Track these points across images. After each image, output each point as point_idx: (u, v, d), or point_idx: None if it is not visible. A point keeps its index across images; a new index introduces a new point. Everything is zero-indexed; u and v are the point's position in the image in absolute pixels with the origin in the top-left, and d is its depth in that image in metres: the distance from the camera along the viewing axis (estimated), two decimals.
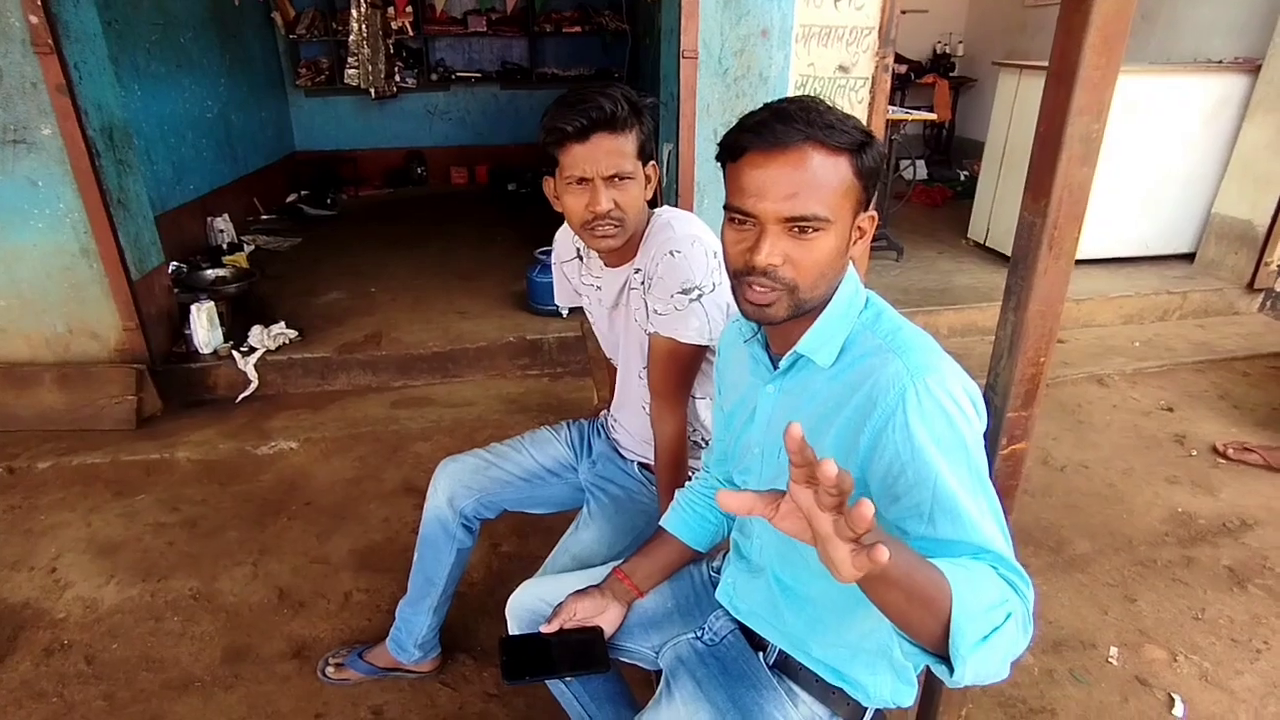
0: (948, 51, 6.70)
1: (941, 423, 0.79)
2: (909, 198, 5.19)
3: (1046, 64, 0.75)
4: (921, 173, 6.01)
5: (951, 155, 6.76)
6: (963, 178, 6.00)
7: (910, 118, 3.99)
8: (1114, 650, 1.84)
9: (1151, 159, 3.90)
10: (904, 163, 5.08)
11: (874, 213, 0.89)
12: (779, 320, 0.88)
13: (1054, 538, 2.24)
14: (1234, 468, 2.60)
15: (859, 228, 0.88)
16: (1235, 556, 2.16)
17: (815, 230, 0.83)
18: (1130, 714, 1.67)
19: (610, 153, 1.19)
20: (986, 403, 0.91)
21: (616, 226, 1.25)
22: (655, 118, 1.31)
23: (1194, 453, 2.70)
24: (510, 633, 1.25)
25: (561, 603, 1.14)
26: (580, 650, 1.10)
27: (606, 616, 1.13)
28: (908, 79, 6.41)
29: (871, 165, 0.84)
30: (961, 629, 0.68)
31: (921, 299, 3.63)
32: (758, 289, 0.86)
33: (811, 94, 2.85)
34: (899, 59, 6.38)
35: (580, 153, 1.19)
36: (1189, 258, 4.20)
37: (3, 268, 2.73)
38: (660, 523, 1.21)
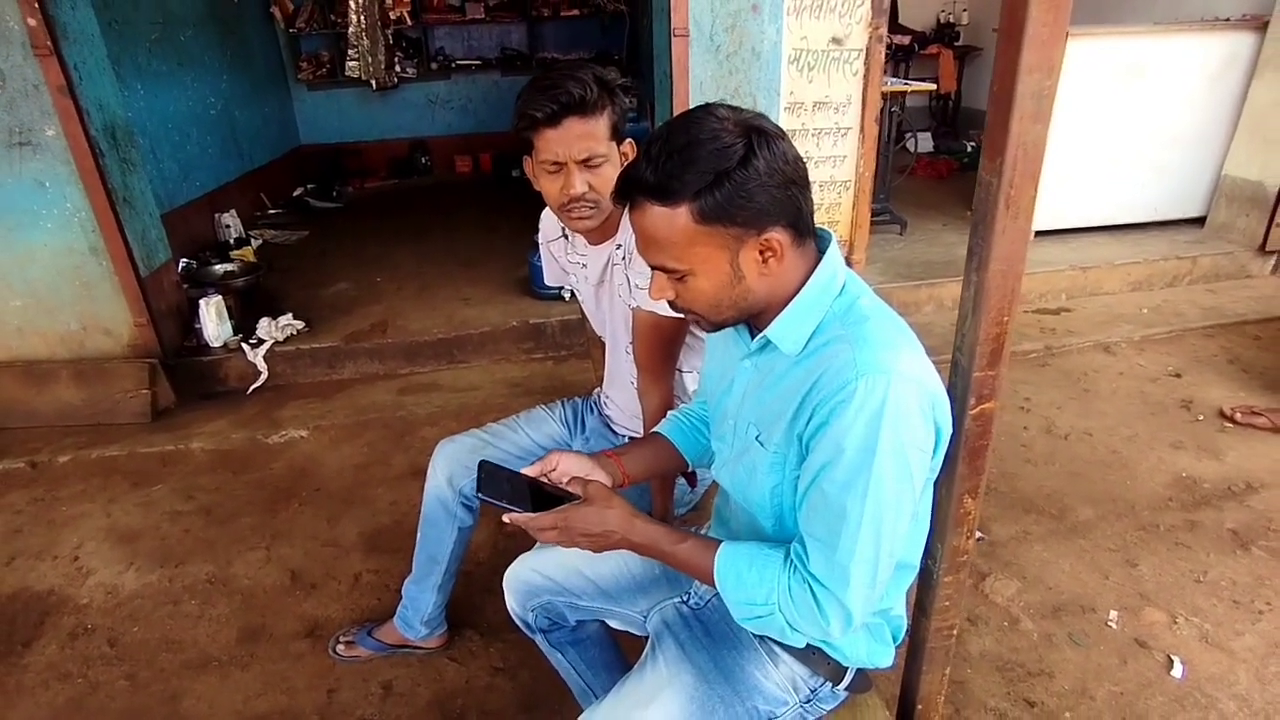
0: (952, 21, 6.59)
1: (861, 425, 0.80)
2: (912, 171, 5.14)
3: None
4: (926, 145, 5.94)
5: (958, 127, 6.68)
6: (969, 149, 5.92)
7: (909, 89, 3.96)
8: (1113, 614, 1.85)
9: (1158, 122, 3.84)
10: (907, 136, 5.03)
11: (774, 232, 0.84)
12: (714, 331, 0.96)
13: (1056, 505, 2.25)
14: (1241, 431, 2.58)
15: (764, 248, 0.85)
16: (1239, 519, 2.16)
17: (680, 278, 0.87)
18: (1129, 675, 1.68)
19: (582, 136, 1.20)
20: (954, 364, 0.93)
21: (592, 208, 1.26)
22: (637, 94, 1.32)
23: (1201, 417, 2.68)
24: (506, 595, 1.29)
25: (546, 454, 1.08)
26: (550, 501, 1.01)
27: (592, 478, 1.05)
28: (911, 50, 6.32)
29: (723, 203, 0.80)
30: (728, 601, 0.93)
31: (925, 272, 3.62)
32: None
33: (805, 68, 2.83)
34: (902, 30, 6.29)
35: (552, 137, 1.20)
36: (1200, 222, 4.14)
37: (16, 268, 2.80)
38: (654, 429, 1.22)
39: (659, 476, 1.24)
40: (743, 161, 0.80)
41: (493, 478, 1.01)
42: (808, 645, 1.00)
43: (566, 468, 1.05)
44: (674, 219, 0.82)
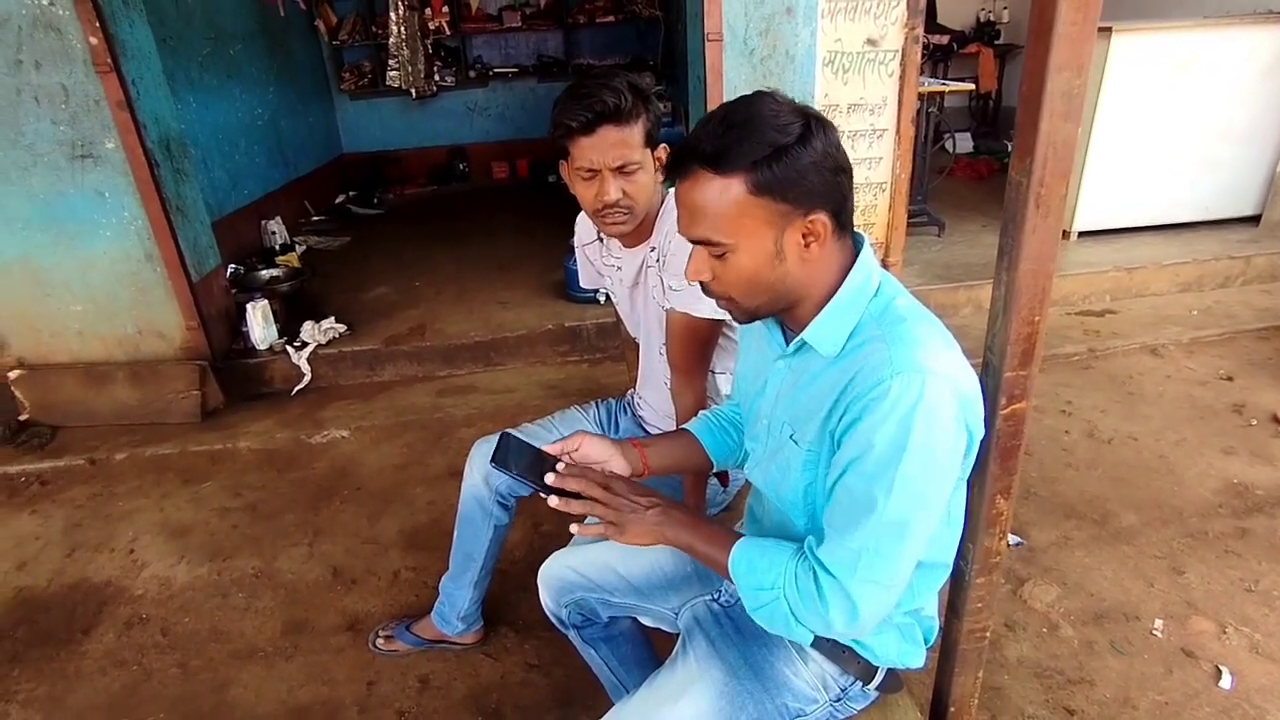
0: (992, 19, 6.48)
1: (893, 423, 0.80)
2: (951, 171, 5.07)
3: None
4: (966, 145, 5.85)
5: (999, 126, 6.55)
6: (1010, 149, 5.80)
7: (947, 89, 3.90)
8: (1159, 622, 1.80)
9: (1208, 118, 3.73)
10: (945, 136, 4.96)
11: (819, 215, 0.85)
12: (745, 321, 0.96)
13: (1099, 510, 2.20)
14: None
15: (808, 231, 0.85)
16: None
17: (721, 254, 0.87)
18: (1174, 685, 1.64)
19: (616, 144, 1.23)
20: (986, 364, 0.92)
21: (626, 213, 1.29)
22: (670, 100, 1.34)
23: (1254, 422, 2.59)
24: (540, 591, 1.31)
25: (570, 435, 1.09)
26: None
27: (610, 466, 1.08)
28: (950, 49, 6.23)
29: (778, 177, 0.82)
30: (739, 589, 0.93)
31: (963, 273, 3.57)
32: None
33: (840, 70, 2.83)
34: (940, 29, 6.20)
35: (587, 145, 1.23)
36: (1254, 220, 4.00)
37: (78, 275, 2.93)
38: (683, 426, 1.23)
39: (681, 472, 1.25)
40: (800, 139, 0.82)
41: (511, 450, 1.01)
42: (838, 644, 1.00)
43: (588, 450, 1.06)
44: (727, 188, 0.83)
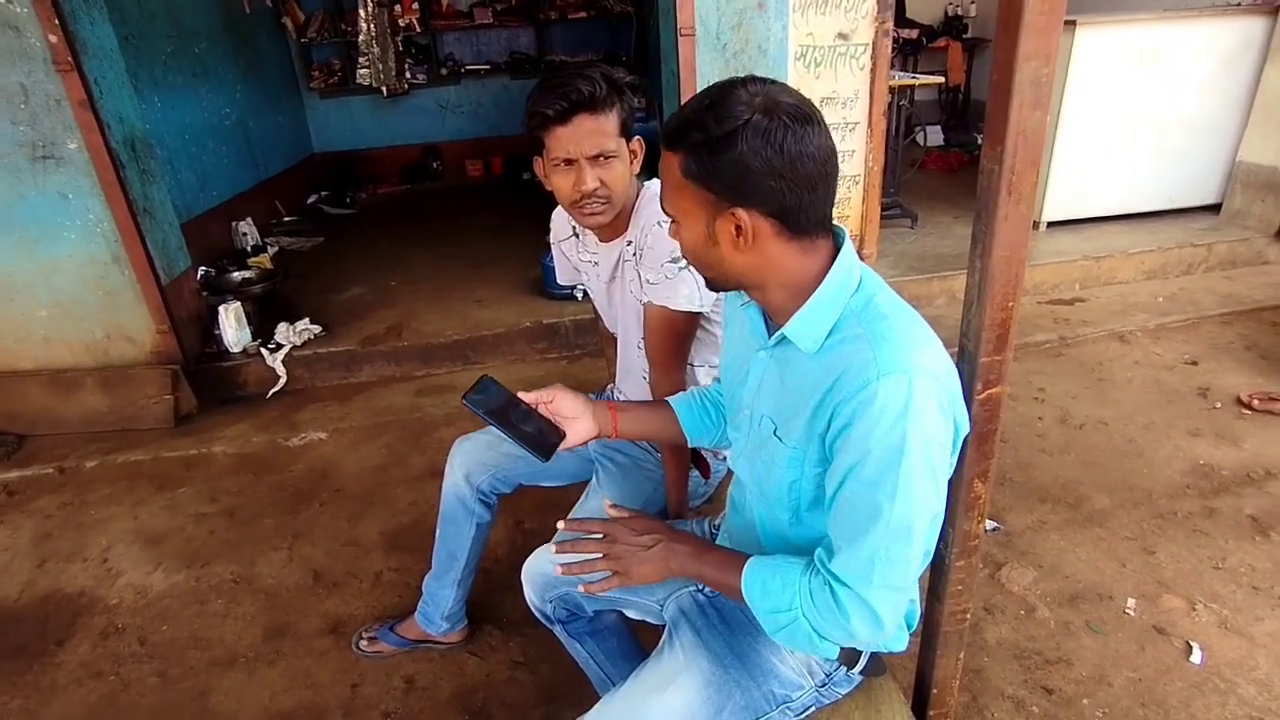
0: (960, 13, 6.57)
1: (887, 423, 0.80)
2: (923, 164, 5.13)
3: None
4: (936, 138, 5.92)
5: (968, 119, 6.65)
6: (979, 141, 5.89)
7: (917, 83, 3.94)
8: (1131, 601, 1.85)
9: (1171, 108, 3.81)
10: (916, 129, 5.02)
11: (745, 212, 0.84)
12: (714, 290, 0.99)
13: (1072, 494, 2.24)
14: (1259, 418, 2.56)
15: (737, 225, 0.86)
16: (1259, 505, 2.15)
17: (674, 221, 0.94)
18: (1147, 662, 1.68)
19: (592, 133, 1.23)
20: (961, 350, 0.94)
21: (603, 204, 1.29)
22: (644, 93, 1.35)
23: (1218, 405, 2.66)
24: (524, 586, 1.32)
25: (547, 387, 1.13)
26: (535, 430, 1.08)
27: (576, 424, 1.12)
28: (919, 44, 6.30)
29: (705, 165, 0.84)
30: (756, 614, 0.94)
31: (936, 264, 3.61)
32: None
33: (812, 64, 2.85)
34: (910, 23, 6.27)
35: (563, 134, 1.23)
36: (1215, 209, 4.10)
37: (42, 279, 2.86)
38: (664, 399, 1.25)
39: (651, 440, 1.33)
40: (730, 134, 0.80)
41: (486, 391, 1.07)
42: None
43: (560, 404, 1.11)
44: (670, 166, 0.88)
